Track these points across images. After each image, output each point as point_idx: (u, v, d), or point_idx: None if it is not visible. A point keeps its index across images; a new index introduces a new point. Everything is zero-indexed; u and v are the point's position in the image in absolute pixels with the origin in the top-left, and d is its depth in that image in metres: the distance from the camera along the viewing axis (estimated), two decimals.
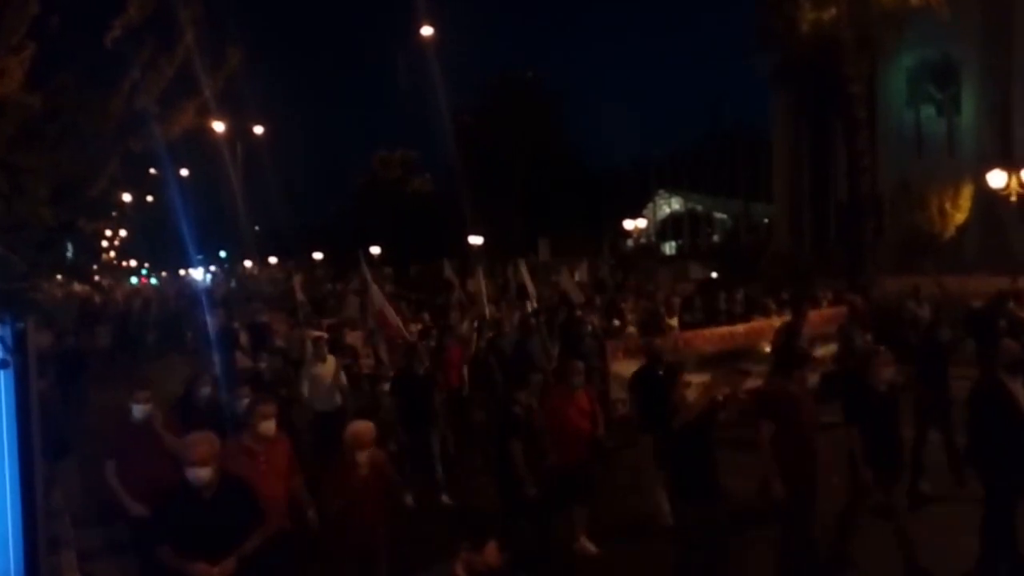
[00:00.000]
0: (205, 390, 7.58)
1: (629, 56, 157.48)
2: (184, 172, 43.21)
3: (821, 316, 12.94)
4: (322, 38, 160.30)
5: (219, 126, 34.06)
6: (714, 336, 11.88)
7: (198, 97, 3.94)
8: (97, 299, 35.22)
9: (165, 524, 4.72)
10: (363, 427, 5.45)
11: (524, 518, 6.62)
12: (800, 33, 22.50)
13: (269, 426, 5.37)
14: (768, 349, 11.84)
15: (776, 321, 12.44)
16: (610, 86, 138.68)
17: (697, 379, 9.76)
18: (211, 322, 17.46)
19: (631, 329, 12.29)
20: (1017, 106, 29.41)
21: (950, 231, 29.53)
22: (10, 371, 4.15)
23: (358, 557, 5.37)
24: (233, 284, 51.30)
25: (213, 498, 4.62)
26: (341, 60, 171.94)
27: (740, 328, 12.33)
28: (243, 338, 15.27)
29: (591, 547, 7.05)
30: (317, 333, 12.07)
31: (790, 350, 10.43)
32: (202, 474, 4.56)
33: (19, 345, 4.11)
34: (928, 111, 32.94)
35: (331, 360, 9.80)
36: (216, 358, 14.73)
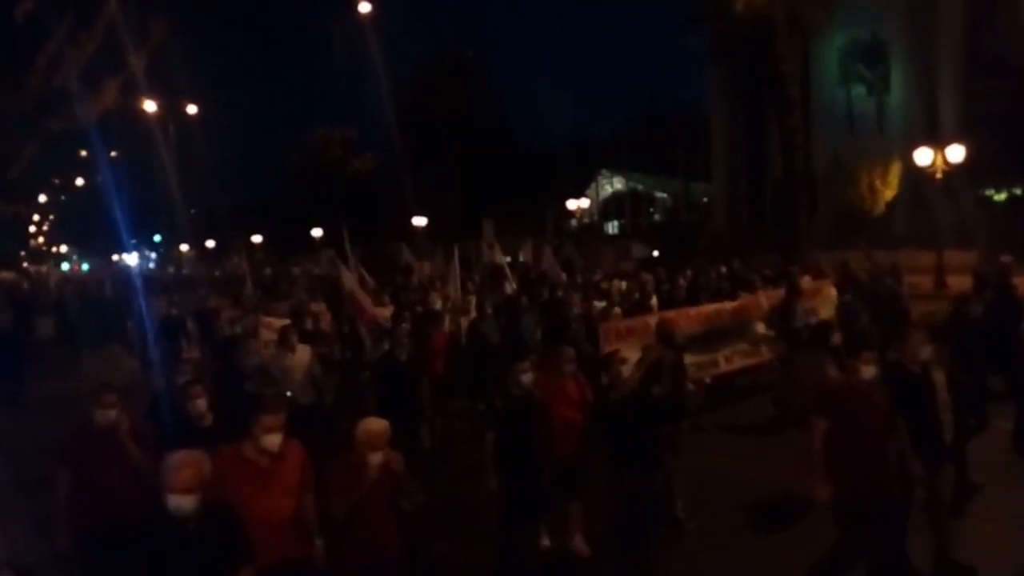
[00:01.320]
0: (183, 380, 6.75)
1: (567, 35, 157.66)
2: (113, 154, 41.92)
3: (805, 290, 12.21)
4: (256, 13, 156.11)
5: (150, 106, 33.05)
6: (701, 315, 11.15)
7: (122, 74, 3.83)
8: (25, 286, 33.96)
9: (135, 558, 4.06)
10: (378, 425, 4.89)
11: (520, 520, 6.13)
12: (734, 12, 22.91)
13: (273, 440, 4.64)
14: (761, 328, 11.40)
15: (763, 298, 11.86)
16: (548, 65, 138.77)
17: (689, 359, 9.12)
18: (153, 310, 16.83)
19: (617, 310, 11.41)
20: (942, 85, 30.41)
21: (880, 207, 30.50)
22: None
23: (367, 571, 4.80)
24: (172, 269, 49.97)
25: (197, 530, 3.97)
26: (276, 37, 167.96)
27: (728, 306, 11.62)
28: (190, 326, 14.17)
29: (584, 547, 6.63)
30: (282, 321, 11.21)
31: (788, 327, 10.14)
32: (185, 503, 3.90)
33: None
34: (859, 90, 33.84)
35: (303, 349, 9.08)
36: (160, 348, 14.17)
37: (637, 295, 13.18)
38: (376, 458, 4.70)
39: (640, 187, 57.46)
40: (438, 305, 12.94)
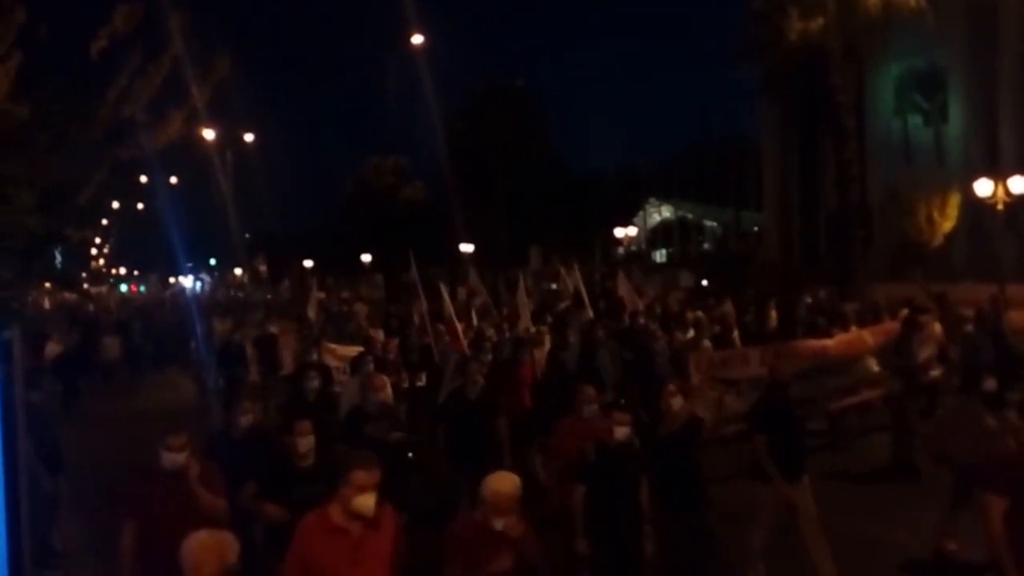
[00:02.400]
0: (245, 419, 6.33)
1: (616, 65, 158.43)
2: (173, 180, 43.12)
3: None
4: (311, 46, 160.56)
5: (209, 134, 34.03)
6: (807, 350, 10.07)
7: (186, 105, 3.95)
8: (91, 307, 34.97)
9: None
10: (508, 486, 4.15)
11: None
12: (788, 43, 22.70)
13: (368, 502, 3.88)
14: (874, 365, 10.54)
15: (868, 334, 10.91)
16: (598, 94, 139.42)
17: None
18: (213, 333, 16.62)
19: (707, 343, 10.47)
20: (1003, 115, 29.63)
21: (938, 239, 29.71)
22: None
23: None
24: (231, 292, 50.78)
25: None
26: (331, 68, 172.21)
27: (830, 342, 10.60)
28: (249, 351, 14.22)
29: None
30: (347, 348, 10.81)
31: (907, 364, 9.21)
32: None
33: (5, 355, 4.09)
34: (916, 120, 33.18)
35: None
36: (221, 375, 13.74)
37: (717, 328, 12.26)
38: (501, 524, 4.08)
39: (689, 215, 57.01)
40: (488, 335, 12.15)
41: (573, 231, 48.06)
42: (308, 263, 58.97)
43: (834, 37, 21.57)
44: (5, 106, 3.25)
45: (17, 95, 3.31)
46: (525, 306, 13.61)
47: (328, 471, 4.80)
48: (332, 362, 10.49)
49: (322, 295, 33.09)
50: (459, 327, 10.91)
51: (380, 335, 13.15)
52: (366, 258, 49.97)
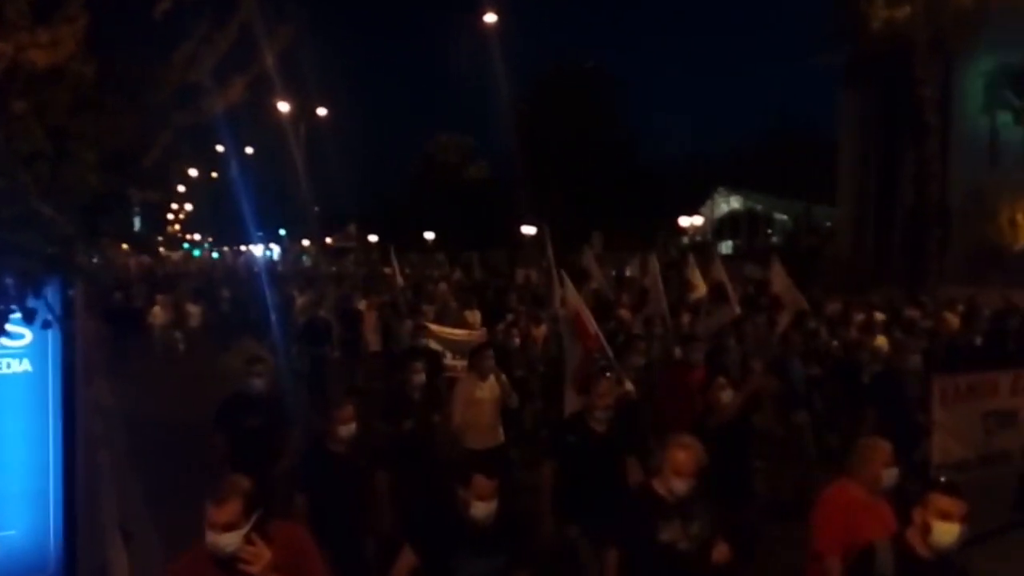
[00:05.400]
0: (346, 429, 4.97)
1: (690, 52, 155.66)
2: (249, 150, 44.32)
3: None
4: (384, 22, 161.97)
5: (283, 106, 34.76)
6: None
7: (249, 72, 3.98)
8: (164, 270, 36.18)
9: None
10: None
11: None
12: (872, 31, 21.96)
13: None
14: None
15: None
16: (673, 81, 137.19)
17: None
18: (293, 306, 16.30)
19: (916, 357, 8.23)
20: None
21: (1021, 243, 28.43)
22: (58, 333, 4.26)
23: None
24: (305, 261, 51.44)
25: None
26: (400, 44, 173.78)
27: None
28: (336, 329, 13.06)
29: None
30: (457, 332, 9.45)
31: None
32: None
33: (67, 310, 4.25)
34: (1005, 118, 31.59)
35: (498, 379, 7.13)
36: (305, 351, 12.68)
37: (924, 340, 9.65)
38: None
39: (759, 207, 55.74)
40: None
41: (638, 217, 47.55)
42: (373, 238, 59.87)
43: (921, 27, 20.75)
44: (73, 65, 3.32)
45: (84, 56, 3.37)
46: (661, 294, 11.03)
47: (513, 533, 3.50)
48: (436, 346, 9.21)
49: (387, 271, 33.35)
50: (595, 326, 8.21)
51: (477, 316, 11.88)
52: (429, 235, 50.47)
